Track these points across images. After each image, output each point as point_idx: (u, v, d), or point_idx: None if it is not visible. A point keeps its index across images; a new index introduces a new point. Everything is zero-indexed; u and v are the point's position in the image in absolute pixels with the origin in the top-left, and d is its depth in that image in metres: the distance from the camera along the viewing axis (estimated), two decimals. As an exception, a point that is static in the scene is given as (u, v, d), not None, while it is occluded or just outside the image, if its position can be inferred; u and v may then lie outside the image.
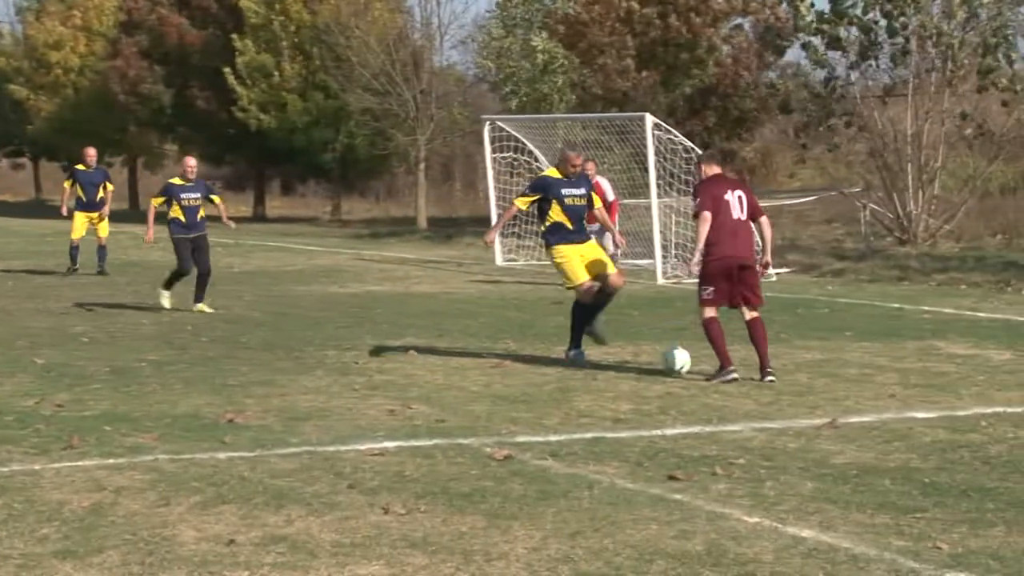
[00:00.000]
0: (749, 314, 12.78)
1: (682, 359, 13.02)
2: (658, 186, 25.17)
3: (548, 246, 13.81)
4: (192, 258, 18.69)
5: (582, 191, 13.75)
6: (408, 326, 17.07)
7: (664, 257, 25.29)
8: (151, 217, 19.37)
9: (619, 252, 23.48)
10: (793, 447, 9.58)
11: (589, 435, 10.04)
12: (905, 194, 29.36)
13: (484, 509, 7.86)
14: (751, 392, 11.95)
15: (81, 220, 25.27)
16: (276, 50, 47.12)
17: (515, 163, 30.49)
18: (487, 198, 31.11)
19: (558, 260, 13.68)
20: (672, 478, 8.60)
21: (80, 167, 25.73)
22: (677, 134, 26.08)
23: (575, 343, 13.80)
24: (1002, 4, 28.95)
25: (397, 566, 6.83)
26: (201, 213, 18.90)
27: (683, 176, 26.28)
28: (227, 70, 46.92)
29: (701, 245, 12.68)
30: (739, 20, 38.85)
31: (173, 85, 50.23)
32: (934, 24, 28.11)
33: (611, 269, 13.74)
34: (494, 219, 29.28)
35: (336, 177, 52.78)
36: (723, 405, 11.32)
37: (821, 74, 30.30)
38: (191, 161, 19.36)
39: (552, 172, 14.11)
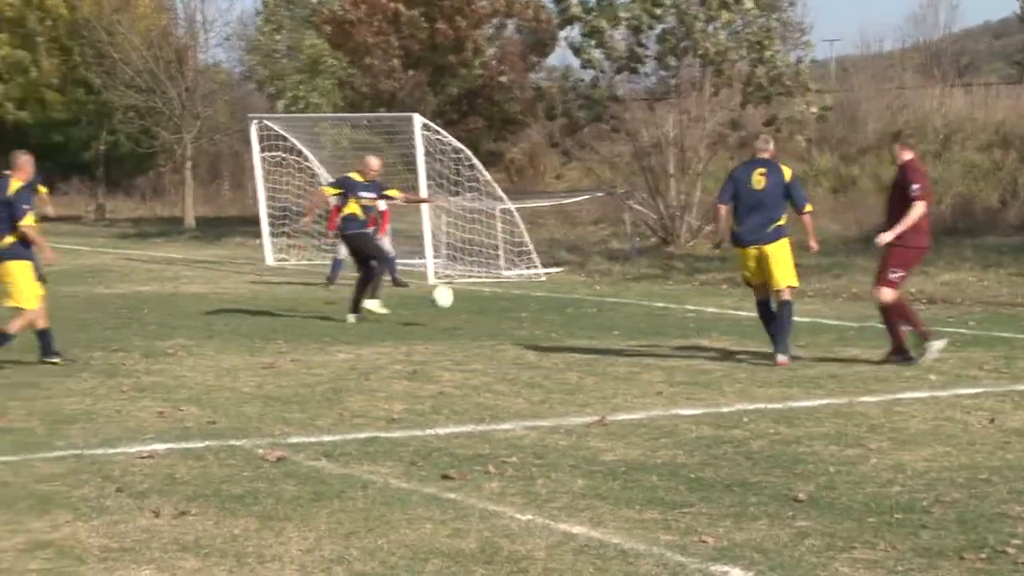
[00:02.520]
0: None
1: (445, 297, 15.12)
2: (428, 186, 25.25)
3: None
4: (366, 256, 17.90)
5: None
6: (177, 327, 16.81)
7: (435, 257, 25.38)
8: (314, 202, 18.41)
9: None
10: (564, 445, 9.71)
11: (363, 435, 10.03)
12: (668, 196, 29.98)
13: (257, 511, 7.79)
14: (522, 391, 12.08)
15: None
16: (33, 45, 45.88)
17: (283, 162, 30.28)
18: (256, 197, 30.80)
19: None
20: (446, 477, 8.64)
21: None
22: (446, 134, 26.21)
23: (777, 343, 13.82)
24: (765, 7, 29.73)
25: (168, 570, 6.73)
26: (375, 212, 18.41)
27: (452, 176, 26.44)
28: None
29: (903, 229, 13.30)
30: (503, 22, 39.13)
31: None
32: (699, 30, 28.70)
33: (777, 282, 13.74)
34: (263, 218, 29.01)
35: (100, 175, 51.62)
36: (495, 404, 11.42)
37: (588, 75, 30.66)
38: (375, 162, 18.18)
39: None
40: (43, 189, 23.65)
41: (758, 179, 13.71)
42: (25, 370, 13.16)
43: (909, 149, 13.91)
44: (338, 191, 18.08)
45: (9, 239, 13.48)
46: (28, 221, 13.52)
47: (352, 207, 17.84)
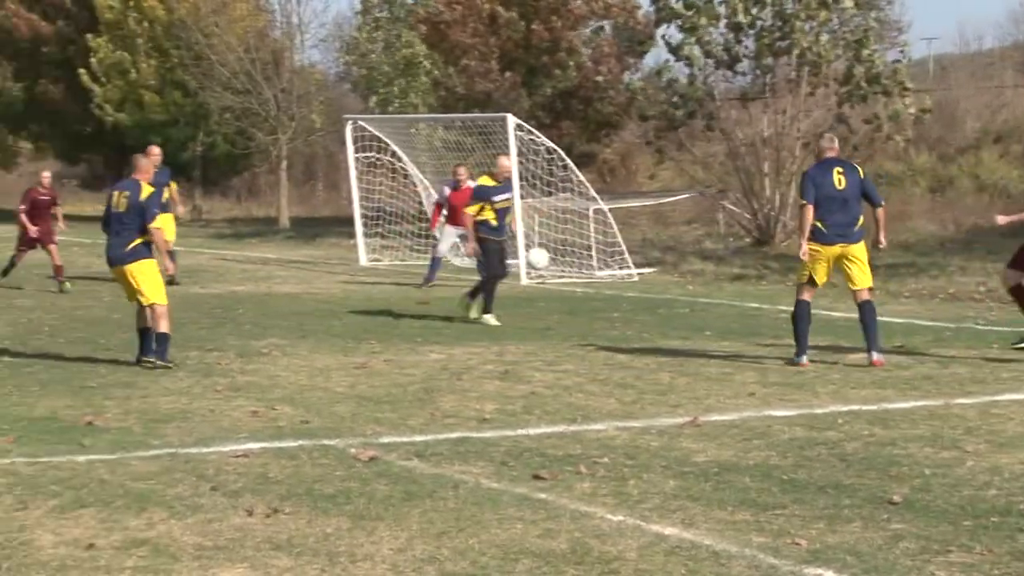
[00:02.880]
0: None
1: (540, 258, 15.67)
2: (521, 187, 25.24)
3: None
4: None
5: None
6: (271, 327, 16.95)
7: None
8: (471, 228, 17.68)
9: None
10: (656, 445, 9.68)
11: (454, 435, 10.06)
12: (763, 195, 29.78)
13: (349, 510, 7.84)
14: (614, 392, 12.05)
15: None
16: (132, 47, 46.48)
17: (377, 163, 30.42)
18: (350, 198, 30.98)
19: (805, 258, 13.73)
20: (537, 477, 8.64)
21: None
22: (539, 135, 26.21)
23: (798, 349, 13.67)
24: (862, 5, 29.42)
25: (261, 568, 6.78)
26: (509, 217, 18.29)
27: (545, 177, 26.44)
28: (82, 70, 46.23)
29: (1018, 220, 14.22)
30: (599, 23, 39.05)
31: (23, 80, 49.37)
32: (799, 29, 28.45)
33: (858, 282, 13.70)
34: (357, 219, 29.18)
35: (196, 176, 52.20)
36: (586, 404, 11.41)
37: (685, 72, 30.46)
38: (506, 162, 18.18)
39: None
40: (174, 185, 23.66)
41: (839, 178, 13.66)
42: (121, 370, 13.33)
43: None
44: (478, 205, 17.62)
45: (138, 240, 13.65)
46: (158, 224, 13.71)
47: (487, 213, 17.57)
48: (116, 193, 13.83)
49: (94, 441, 9.79)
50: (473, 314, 17.57)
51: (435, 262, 23.32)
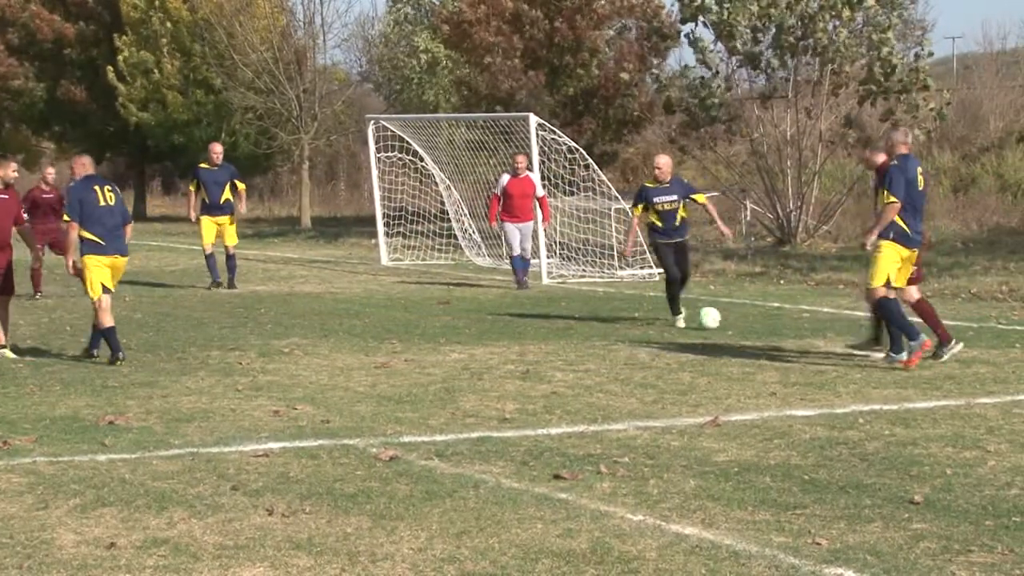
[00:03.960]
0: None
1: (713, 318, 16.12)
2: (543, 186, 25.23)
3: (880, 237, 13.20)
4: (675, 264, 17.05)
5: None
6: (293, 326, 16.98)
7: (549, 257, 25.36)
8: (634, 229, 17.52)
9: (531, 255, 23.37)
10: (676, 445, 9.67)
11: (475, 435, 10.06)
12: (784, 195, 29.74)
13: (369, 510, 7.85)
14: (635, 391, 12.04)
15: (208, 225, 22.39)
16: (156, 47, 46.62)
17: (400, 162, 30.43)
18: (371, 198, 31.03)
19: (877, 254, 13.21)
20: (557, 477, 8.64)
21: (203, 165, 22.73)
22: (561, 134, 26.20)
23: (893, 343, 13.40)
24: (885, 4, 29.31)
25: (281, 568, 6.80)
26: (681, 215, 17.05)
27: (567, 176, 26.42)
28: (109, 68, 46.40)
29: None
30: (623, 22, 38.98)
31: (45, 80, 49.56)
32: (822, 28, 28.37)
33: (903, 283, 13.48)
34: (379, 218, 29.22)
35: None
36: (607, 404, 11.40)
37: (701, 73, 30.34)
38: (662, 160, 17.21)
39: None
40: (241, 185, 23.33)
41: (920, 179, 13.30)
42: (142, 369, 13.37)
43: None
44: (641, 206, 17.05)
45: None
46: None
47: (651, 216, 17.03)
48: (98, 188, 14.06)
49: (115, 440, 9.82)
50: (681, 324, 16.95)
51: (515, 260, 22.59)
